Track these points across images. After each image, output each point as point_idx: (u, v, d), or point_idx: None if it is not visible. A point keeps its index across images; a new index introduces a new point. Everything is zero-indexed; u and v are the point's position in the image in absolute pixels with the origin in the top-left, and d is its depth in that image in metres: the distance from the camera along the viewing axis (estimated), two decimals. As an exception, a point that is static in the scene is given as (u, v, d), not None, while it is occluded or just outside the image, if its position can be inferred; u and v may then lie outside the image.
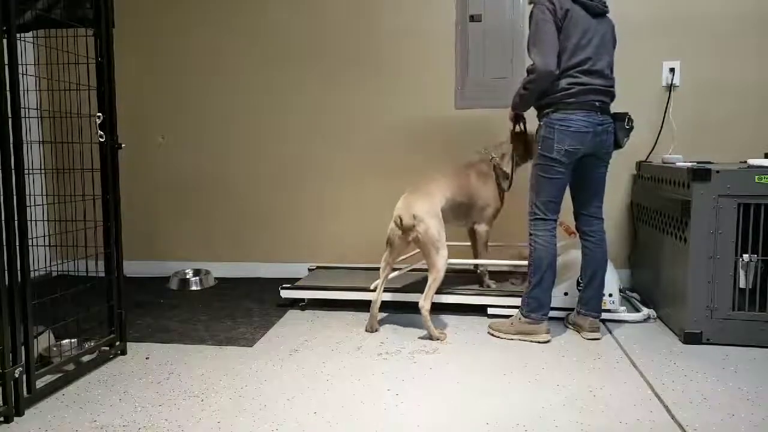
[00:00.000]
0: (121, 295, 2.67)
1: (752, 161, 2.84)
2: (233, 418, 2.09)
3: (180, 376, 2.49)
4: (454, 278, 3.49)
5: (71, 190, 2.71)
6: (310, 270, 3.98)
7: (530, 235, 2.85)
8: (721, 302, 2.75)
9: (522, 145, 3.26)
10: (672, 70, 3.68)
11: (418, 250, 2.97)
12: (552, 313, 2.91)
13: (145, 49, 4.24)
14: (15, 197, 2.08)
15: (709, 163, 3.02)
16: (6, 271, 2.05)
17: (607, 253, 2.92)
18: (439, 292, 3.22)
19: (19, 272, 2.10)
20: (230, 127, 4.23)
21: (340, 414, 2.12)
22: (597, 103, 2.71)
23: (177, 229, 4.35)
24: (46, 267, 4.00)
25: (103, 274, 2.63)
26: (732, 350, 2.71)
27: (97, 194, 2.62)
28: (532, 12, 2.73)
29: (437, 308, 3.13)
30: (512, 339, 2.87)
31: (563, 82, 2.70)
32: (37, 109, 3.33)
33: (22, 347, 2.12)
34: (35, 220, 2.47)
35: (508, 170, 3.26)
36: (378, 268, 3.05)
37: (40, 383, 2.24)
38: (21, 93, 2.10)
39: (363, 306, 3.23)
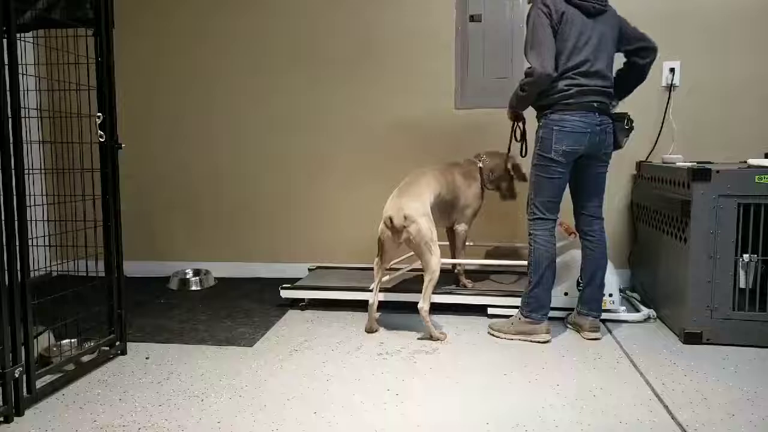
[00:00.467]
0: (121, 295, 2.67)
1: (752, 161, 2.84)
2: (233, 418, 2.09)
3: (180, 376, 2.49)
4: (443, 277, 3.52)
5: (71, 190, 2.71)
6: (310, 270, 3.98)
7: (529, 234, 2.85)
8: (721, 302, 2.75)
9: (506, 183, 3.41)
10: (672, 70, 3.68)
11: (412, 252, 2.97)
12: (552, 313, 2.91)
13: (145, 49, 4.24)
14: (15, 197, 2.08)
15: (709, 163, 3.03)
16: (6, 271, 2.05)
17: (607, 253, 2.92)
18: (440, 292, 3.23)
19: (18, 272, 2.10)
20: (231, 127, 4.22)
21: (340, 414, 2.12)
22: (595, 104, 2.71)
23: (177, 229, 4.35)
24: (46, 267, 4.00)
25: (103, 274, 2.63)
26: (732, 350, 2.71)
27: (97, 194, 2.62)
28: (529, 13, 2.73)
29: (437, 308, 3.13)
30: (512, 339, 2.87)
31: (561, 84, 2.70)
32: (37, 109, 3.34)
33: (22, 347, 2.12)
34: (35, 220, 2.47)
35: (490, 187, 3.42)
36: (377, 269, 3.05)
37: (40, 383, 2.24)
38: (21, 93, 2.10)
39: (363, 306, 3.23)
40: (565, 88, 2.69)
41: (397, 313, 3.28)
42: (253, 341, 2.91)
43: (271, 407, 2.18)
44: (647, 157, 3.73)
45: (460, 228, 3.35)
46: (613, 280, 3.10)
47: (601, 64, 2.72)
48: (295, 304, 3.50)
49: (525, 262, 2.91)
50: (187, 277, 4.08)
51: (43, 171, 3.82)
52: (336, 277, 3.74)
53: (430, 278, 2.86)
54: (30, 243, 2.16)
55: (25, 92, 2.22)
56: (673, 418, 2.07)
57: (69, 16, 2.50)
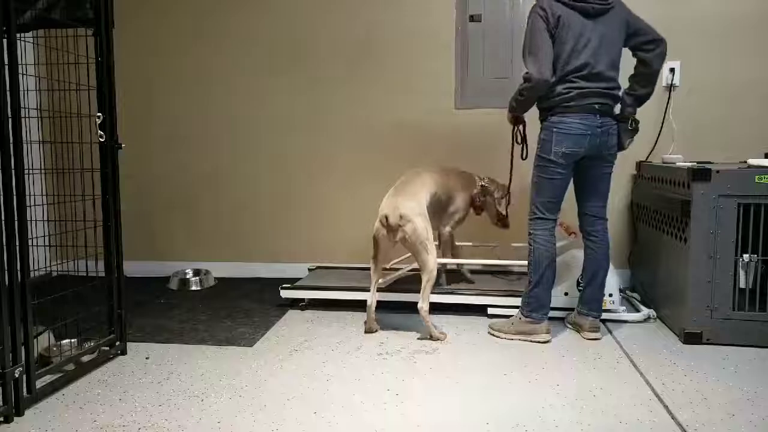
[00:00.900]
0: (121, 295, 2.67)
1: (752, 161, 2.84)
2: (233, 418, 2.09)
3: (180, 376, 2.49)
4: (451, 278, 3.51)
5: (71, 190, 2.71)
6: (310, 270, 3.98)
7: (529, 234, 2.85)
8: (721, 302, 2.75)
9: (496, 211, 3.44)
10: (672, 70, 3.68)
11: (409, 253, 2.96)
12: (552, 313, 2.91)
13: (145, 49, 4.24)
14: (15, 197, 2.08)
15: (709, 163, 3.03)
16: (6, 271, 2.05)
17: (609, 253, 2.91)
18: (440, 292, 3.23)
19: (18, 272, 2.10)
20: (231, 128, 4.22)
21: (340, 414, 2.12)
22: (597, 106, 2.70)
23: (177, 229, 4.35)
24: (46, 267, 3.99)
25: (103, 274, 2.63)
26: (732, 350, 2.71)
27: (97, 194, 2.62)
28: (529, 15, 2.72)
29: (437, 308, 3.13)
30: (512, 339, 2.87)
31: (560, 88, 2.69)
32: (37, 109, 3.33)
33: (22, 347, 2.12)
34: (35, 220, 2.47)
35: (477, 203, 3.42)
36: (377, 269, 3.05)
37: (40, 383, 2.24)
38: (21, 93, 2.10)
39: (363, 306, 3.22)
40: (565, 91, 2.68)
41: (396, 313, 3.28)
42: (253, 341, 2.91)
43: (271, 407, 2.18)
44: (647, 157, 3.72)
45: (445, 231, 3.36)
46: (613, 280, 3.10)
47: (603, 65, 2.70)
48: (295, 304, 3.50)
49: (525, 262, 2.91)
50: (187, 277, 4.08)
51: (43, 171, 3.81)
52: (336, 277, 3.74)
53: (428, 278, 2.85)
54: (30, 243, 2.16)
55: (25, 92, 2.22)
56: (673, 418, 2.07)
57: (69, 16, 2.50)
